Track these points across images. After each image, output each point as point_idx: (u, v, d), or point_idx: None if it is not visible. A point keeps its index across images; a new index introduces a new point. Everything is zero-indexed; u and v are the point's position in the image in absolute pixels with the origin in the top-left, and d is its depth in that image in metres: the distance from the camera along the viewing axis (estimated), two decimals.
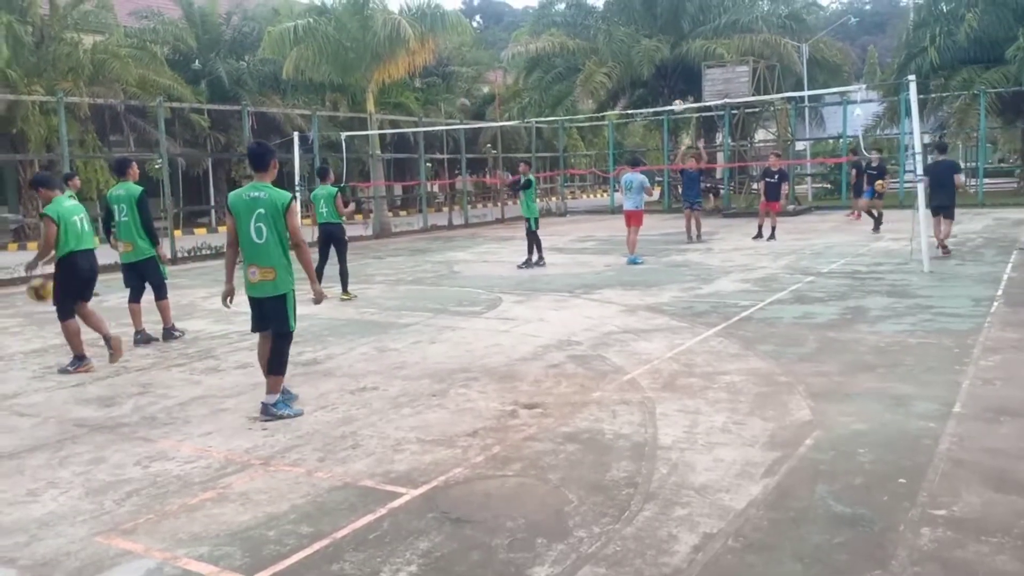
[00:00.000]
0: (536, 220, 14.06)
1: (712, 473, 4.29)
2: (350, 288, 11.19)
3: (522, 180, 14.27)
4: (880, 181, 18.20)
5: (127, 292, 8.62)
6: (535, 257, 13.95)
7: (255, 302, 5.73)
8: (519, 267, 13.76)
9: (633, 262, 13.70)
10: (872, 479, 4.13)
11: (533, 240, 13.97)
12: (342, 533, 3.74)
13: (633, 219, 14.16)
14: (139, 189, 8.34)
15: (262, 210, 5.52)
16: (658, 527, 3.68)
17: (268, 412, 5.63)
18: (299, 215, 5.72)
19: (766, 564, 3.32)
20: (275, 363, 5.70)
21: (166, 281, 8.68)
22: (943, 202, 12.82)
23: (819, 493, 3.99)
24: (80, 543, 3.76)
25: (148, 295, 8.57)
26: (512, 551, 3.51)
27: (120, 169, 8.56)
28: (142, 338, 8.43)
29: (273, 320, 5.70)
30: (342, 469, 4.57)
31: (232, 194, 5.74)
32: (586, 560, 3.40)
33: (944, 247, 13.03)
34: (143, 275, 8.53)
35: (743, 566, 3.32)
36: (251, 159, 5.75)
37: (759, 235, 17.04)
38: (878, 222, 17.93)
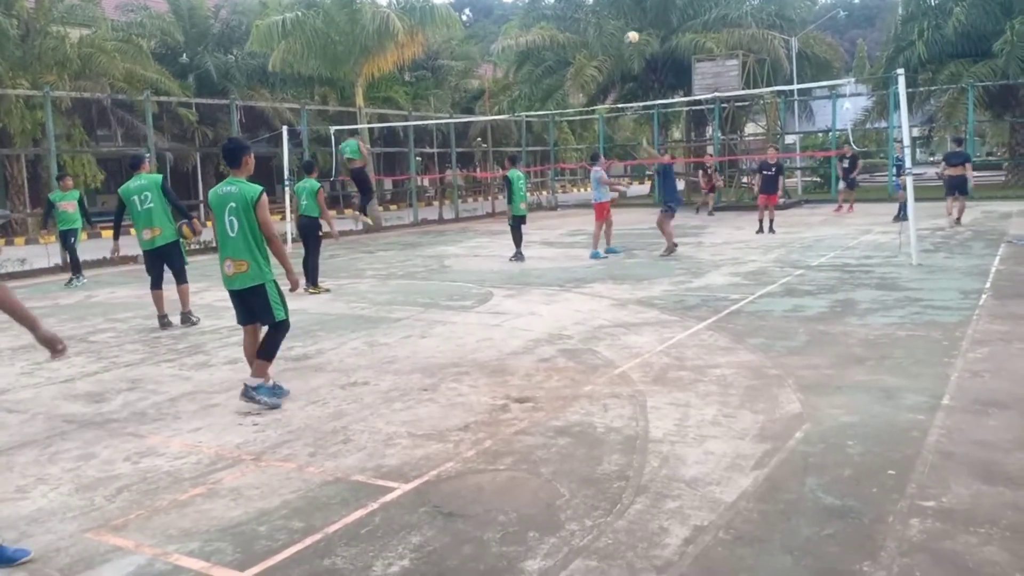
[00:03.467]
0: (518, 217, 13.97)
1: (703, 466, 4.30)
2: (320, 282, 11.24)
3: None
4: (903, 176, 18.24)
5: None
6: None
7: (235, 295, 5.87)
8: (511, 260, 13.81)
9: (593, 256, 13.81)
10: (861, 471, 4.15)
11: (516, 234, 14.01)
12: (334, 528, 3.74)
13: (595, 213, 14.21)
14: (160, 176, 8.89)
15: (233, 204, 5.69)
16: (649, 520, 3.69)
17: (247, 394, 5.68)
18: (268, 208, 5.83)
19: (756, 556, 3.34)
20: (265, 348, 5.80)
21: (186, 266, 9.10)
22: (957, 182, 16.39)
23: (809, 485, 4.01)
24: (70, 539, 3.75)
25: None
26: (504, 545, 3.52)
27: (135, 164, 9.04)
28: (166, 322, 8.77)
29: (259, 313, 5.84)
30: (333, 464, 4.56)
31: (211, 191, 5.91)
32: (578, 553, 3.41)
33: (958, 220, 16.34)
34: (165, 259, 8.91)
35: (733, 558, 3.33)
36: (224, 156, 5.93)
37: (760, 229, 16.92)
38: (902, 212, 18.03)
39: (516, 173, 14.10)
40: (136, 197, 8.70)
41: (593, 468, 4.34)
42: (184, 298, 8.99)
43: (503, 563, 3.36)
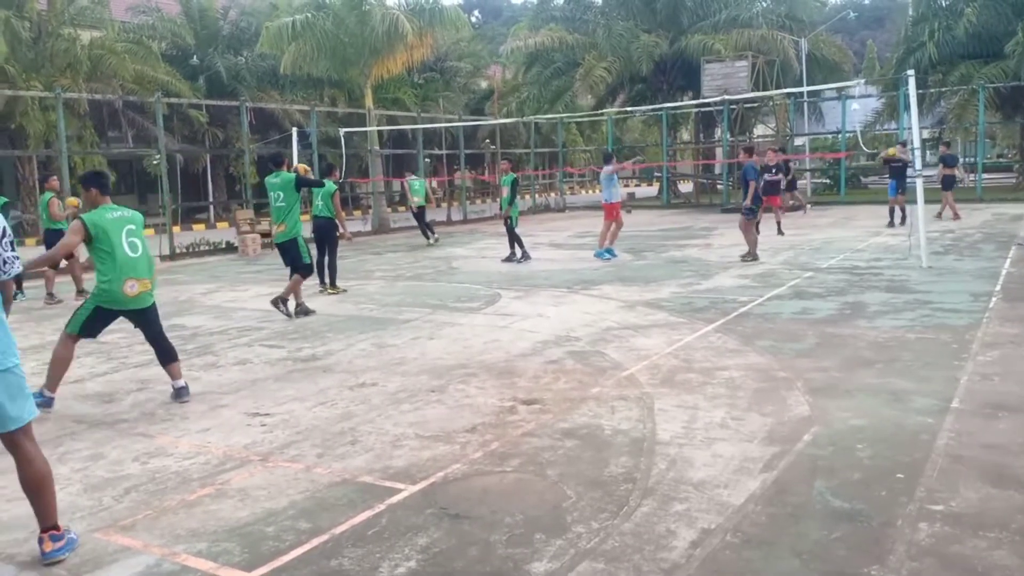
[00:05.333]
0: (513, 217, 14.23)
1: (710, 469, 4.29)
2: (337, 282, 11.37)
3: (503, 180, 14.55)
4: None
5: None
6: (518, 253, 14.06)
7: (124, 313, 6.00)
8: (518, 261, 13.87)
9: (598, 255, 13.89)
10: (870, 474, 4.14)
11: (513, 236, 14.18)
12: (341, 529, 3.74)
13: (605, 213, 14.35)
14: (293, 176, 9.60)
15: (132, 226, 5.91)
16: (656, 523, 3.69)
17: (187, 390, 6.08)
18: None
19: (764, 559, 3.33)
20: (172, 352, 6.17)
21: (306, 263, 9.56)
22: (950, 181, 18.94)
23: (817, 488, 3.99)
24: (79, 539, 3.76)
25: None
26: (510, 547, 3.51)
27: (277, 161, 9.83)
28: (302, 310, 9.39)
29: (153, 324, 6.15)
30: (341, 465, 4.57)
31: (90, 215, 5.84)
32: (584, 555, 3.40)
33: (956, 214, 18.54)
34: (288, 253, 9.49)
35: (741, 561, 3.32)
36: (101, 185, 5.94)
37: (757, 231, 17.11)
38: (903, 217, 18.03)
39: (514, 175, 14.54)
40: (272, 193, 9.49)
41: (600, 470, 4.33)
42: (294, 289, 9.40)
43: (509, 565, 3.36)
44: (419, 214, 18.46)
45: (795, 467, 4.27)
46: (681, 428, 4.95)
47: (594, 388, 5.93)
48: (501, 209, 14.85)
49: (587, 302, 9.69)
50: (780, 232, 16.74)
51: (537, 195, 31.86)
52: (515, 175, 14.56)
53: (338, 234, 11.44)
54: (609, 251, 14.01)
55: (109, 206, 5.91)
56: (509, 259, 14.07)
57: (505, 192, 14.39)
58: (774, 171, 17.54)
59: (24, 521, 3.98)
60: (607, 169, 14.52)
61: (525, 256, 14.00)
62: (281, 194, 9.36)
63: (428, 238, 18.37)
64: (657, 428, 4.97)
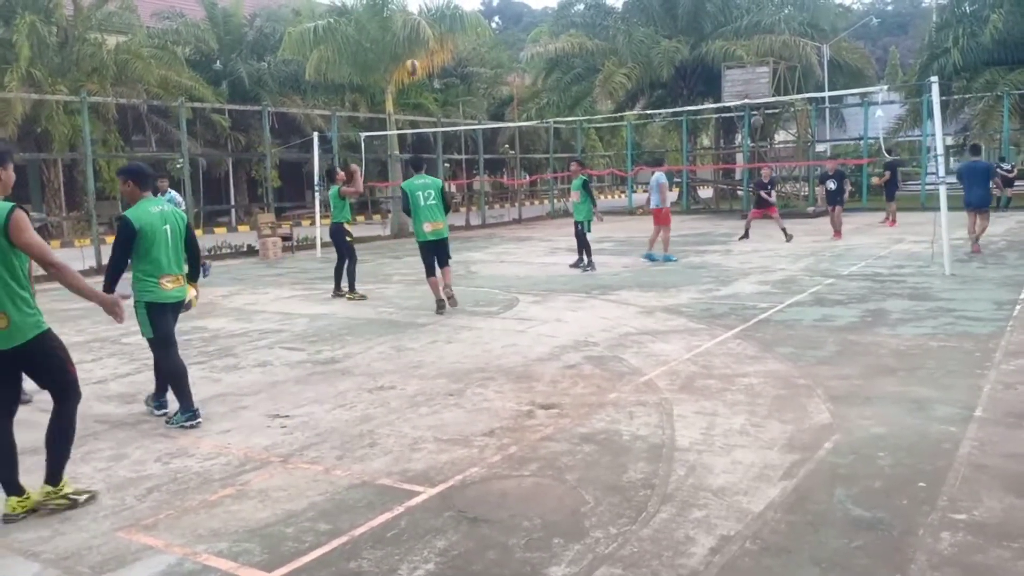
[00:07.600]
0: (586, 223, 13.48)
1: (730, 475, 4.27)
2: (357, 287, 11.31)
3: (573, 184, 13.79)
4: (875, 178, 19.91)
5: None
6: (586, 260, 13.41)
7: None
8: (584, 270, 13.31)
9: (660, 259, 13.97)
10: (892, 483, 4.10)
11: (583, 242, 13.48)
12: (360, 531, 3.76)
13: (654, 218, 14.37)
14: (441, 181, 10.10)
15: None
16: (675, 529, 3.68)
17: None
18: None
19: (784, 567, 3.31)
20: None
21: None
22: (980, 199, 13.64)
23: (838, 496, 3.96)
24: (102, 538, 3.81)
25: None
26: (528, 551, 3.52)
27: (418, 165, 10.17)
28: (443, 305, 9.62)
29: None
30: (360, 467, 4.59)
31: None
32: (602, 561, 3.40)
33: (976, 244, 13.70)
34: (442, 250, 9.84)
35: (760, 569, 3.31)
36: None
37: (745, 235, 17.75)
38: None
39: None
40: (421, 193, 9.64)
41: (618, 476, 4.33)
42: (449, 279, 9.88)
43: (527, 569, 3.36)
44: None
45: (815, 475, 4.24)
46: (700, 434, 4.94)
47: (612, 393, 5.92)
48: (573, 215, 13.94)
49: (605, 307, 9.68)
50: (787, 238, 16.98)
51: (556, 199, 31.87)
52: (584, 176, 13.65)
53: (348, 238, 11.35)
54: (652, 255, 14.12)
55: None
56: (576, 264, 13.42)
57: (576, 197, 13.52)
58: (769, 187, 18.14)
59: (47, 519, 4.03)
60: (659, 174, 14.46)
61: (590, 265, 13.35)
62: (432, 192, 9.67)
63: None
64: (676, 434, 4.96)
